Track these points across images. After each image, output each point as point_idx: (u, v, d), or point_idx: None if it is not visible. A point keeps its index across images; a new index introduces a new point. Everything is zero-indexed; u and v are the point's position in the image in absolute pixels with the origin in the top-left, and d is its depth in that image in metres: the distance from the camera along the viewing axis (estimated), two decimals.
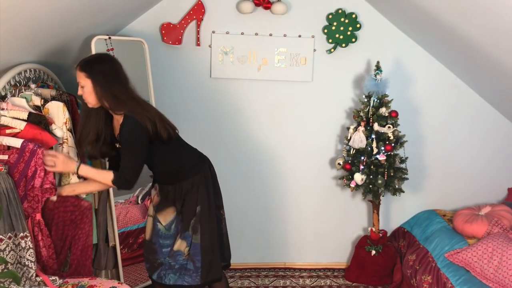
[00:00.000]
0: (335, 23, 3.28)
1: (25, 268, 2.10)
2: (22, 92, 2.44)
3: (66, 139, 2.46)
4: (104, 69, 2.23)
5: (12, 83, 2.42)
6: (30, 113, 2.30)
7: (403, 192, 3.23)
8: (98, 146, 2.34)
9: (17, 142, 2.18)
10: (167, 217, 2.42)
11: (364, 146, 3.14)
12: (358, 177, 3.13)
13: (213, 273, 2.43)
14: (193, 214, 2.38)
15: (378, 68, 3.15)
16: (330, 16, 3.27)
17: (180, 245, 2.41)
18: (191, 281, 2.40)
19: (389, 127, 3.12)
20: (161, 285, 2.48)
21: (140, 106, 2.25)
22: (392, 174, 3.15)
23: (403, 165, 3.26)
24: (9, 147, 2.21)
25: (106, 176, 2.28)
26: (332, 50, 3.33)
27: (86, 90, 2.21)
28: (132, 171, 2.25)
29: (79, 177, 2.36)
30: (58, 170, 2.26)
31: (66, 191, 2.36)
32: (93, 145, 2.33)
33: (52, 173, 2.26)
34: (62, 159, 2.24)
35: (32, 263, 2.11)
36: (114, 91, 2.21)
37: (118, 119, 2.28)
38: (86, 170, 2.29)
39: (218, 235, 2.48)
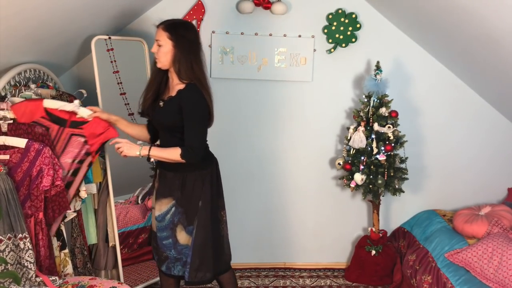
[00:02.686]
0: (335, 23, 3.28)
1: (24, 269, 2.10)
2: (22, 92, 2.45)
3: None
4: (188, 35, 2.28)
5: (12, 83, 2.43)
6: None
7: (403, 192, 3.23)
8: (154, 105, 2.37)
9: (20, 142, 2.18)
10: (162, 207, 2.40)
11: (364, 146, 3.14)
12: (358, 177, 3.13)
13: (201, 275, 2.39)
14: (196, 210, 2.35)
15: (378, 68, 3.15)
16: (330, 16, 3.27)
17: (186, 239, 2.39)
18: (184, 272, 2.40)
19: (389, 127, 3.12)
20: (170, 276, 2.48)
21: (206, 81, 2.32)
22: (392, 174, 3.15)
23: (403, 165, 3.26)
24: None
25: (174, 153, 2.26)
26: (332, 50, 3.33)
27: (163, 50, 2.26)
28: (200, 141, 2.30)
29: (149, 159, 2.37)
30: (126, 154, 2.28)
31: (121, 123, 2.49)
32: (151, 103, 2.37)
33: (61, 170, 2.27)
34: (126, 143, 2.29)
35: (32, 264, 2.11)
36: (192, 59, 2.27)
37: (175, 84, 2.32)
38: (154, 151, 2.29)
39: (216, 237, 2.45)
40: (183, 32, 2.27)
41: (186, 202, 2.36)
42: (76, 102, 2.43)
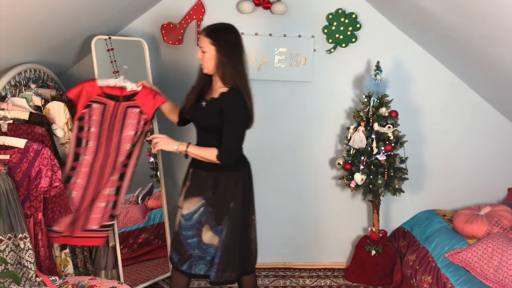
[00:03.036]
0: (335, 23, 3.28)
1: (24, 269, 2.10)
2: (22, 92, 2.44)
3: (68, 139, 2.47)
4: (230, 39, 2.33)
5: (12, 83, 2.42)
6: (31, 113, 2.31)
7: (403, 192, 3.23)
8: (196, 105, 2.43)
9: (20, 142, 2.18)
10: (190, 206, 2.41)
11: (364, 146, 3.14)
12: (358, 177, 3.13)
13: (227, 275, 2.42)
14: (227, 211, 2.38)
15: (378, 68, 3.15)
16: (330, 16, 3.27)
17: (212, 238, 2.41)
18: (209, 271, 2.44)
19: (389, 127, 3.12)
20: (187, 275, 2.49)
21: (247, 84, 2.37)
22: (392, 174, 3.15)
23: (403, 165, 3.26)
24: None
25: (211, 153, 2.31)
26: (332, 50, 3.33)
27: (208, 56, 2.31)
28: (237, 144, 2.35)
29: (186, 156, 2.41)
30: (161, 148, 2.37)
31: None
32: (192, 105, 2.44)
33: (60, 171, 2.28)
34: (164, 138, 2.38)
35: (32, 264, 2.11)
36: (235, 62, 2.32)
37: (218, 87, 2.38)
38: (192, 148, 2.35)
39: (245, 240, 2.48)
40: (225, 36, 2.32)
41: (216, 202, 2.38)
42: (122, 77, 2.50)
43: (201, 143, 2.43)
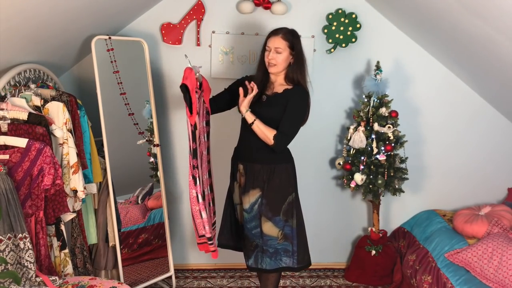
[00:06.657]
0: (335, 23, 3.27)
1: (24, 269, 2.10)
2: (22, 92, 2.44)
3: (66, 139, 2.47)
4: (300, 45, 2.51)
5: (12, 83, 2.43)
6: (30, 114, 2.31)
7: (403, 192, 3.23)
8: (256, 102, 2.52)
9: (21, 142, 2.19)
10: (251, 199, 2.52)
11: (364, 146, 3.14)
12: (358, 177, 3.13)
13: (307, 258, 2.58)
14: (283, 200, 2.49)
15: (378, 68, 3.15)
16: (330, 16, 3.27)
17: (271, 229, 2.49)
18: (290, 262, 2.53)
19: (389, 127, 3.12)
20: (258, 270, 2.58)
21: (307, 87, 2.54)
22: (392, 174, 3.15)
23: (403, 165, 3.26)
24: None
25: (270, 132, 2.43)
26: (332, 50, 3.33)
27: (282, 56, 2.46)
28: (292, 133, 2.48)
29: (251, 124, 2.44)
30: (242, 102, 2.45)
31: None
32: (254, 101, 2.51)
33: (61, 169, 2.30)
34: (248, 99, 2.45)
35: (32, 264, 2.11)
36: (301, 65, 2.50)
37: (278, 84, 2.54)
38: (258, 121, 2.44)
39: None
40: (298, 42, 2.50)
41: (271, 194, 2.48)
42: (189, 66, 2.38)
43: (253, 133, 2.49)
